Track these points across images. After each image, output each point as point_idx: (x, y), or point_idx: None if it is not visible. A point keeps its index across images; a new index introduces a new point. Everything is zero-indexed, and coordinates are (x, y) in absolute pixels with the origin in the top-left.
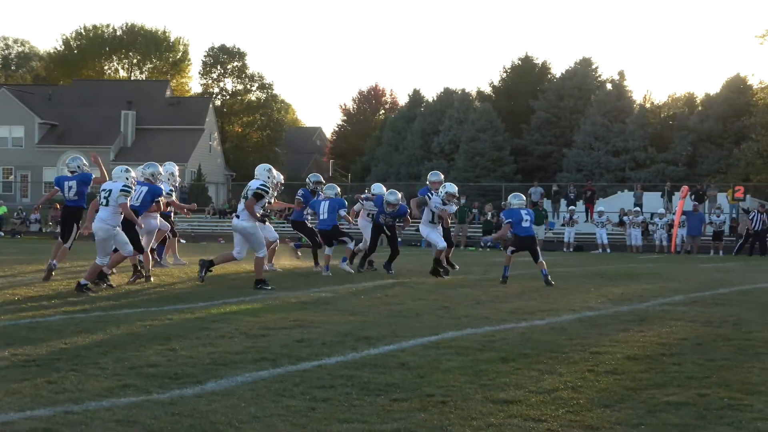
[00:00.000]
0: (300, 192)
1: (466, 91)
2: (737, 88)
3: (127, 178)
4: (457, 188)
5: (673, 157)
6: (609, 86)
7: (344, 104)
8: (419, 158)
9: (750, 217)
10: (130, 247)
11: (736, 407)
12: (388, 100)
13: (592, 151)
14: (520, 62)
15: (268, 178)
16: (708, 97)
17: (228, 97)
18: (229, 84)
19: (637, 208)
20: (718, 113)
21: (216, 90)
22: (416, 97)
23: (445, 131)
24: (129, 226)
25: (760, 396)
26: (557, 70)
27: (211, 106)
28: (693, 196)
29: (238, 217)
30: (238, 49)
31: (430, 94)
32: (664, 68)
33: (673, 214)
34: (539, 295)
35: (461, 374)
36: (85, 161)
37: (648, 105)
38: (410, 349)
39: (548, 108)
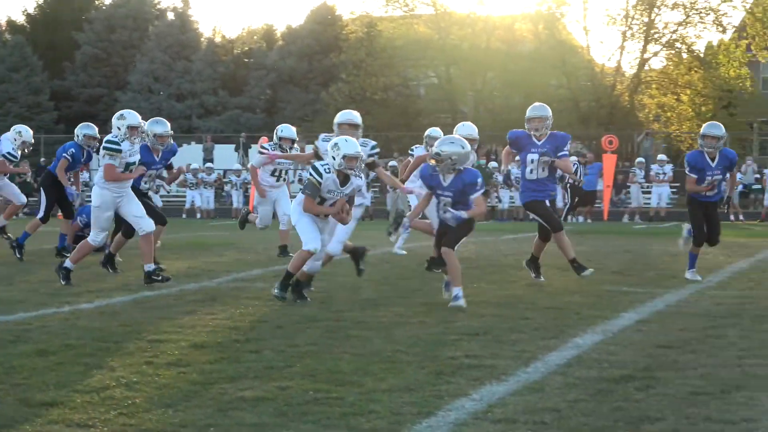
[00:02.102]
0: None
1: None
2: (324, 19)
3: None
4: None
5: (250, 102)
6: (171, 16)
7: None
8: None
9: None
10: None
11: (323, 401)
12: None
13: (152, 94)
14: None
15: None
16: (290, 30)
17: None
18: None
19: (209, 164)
20: (302, 49)
21: None
22: None
23: None
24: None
25: (351, 387)
26: None
27: None
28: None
29: None
30: None
31: None
32: None
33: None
34: (83, 274)
35: None
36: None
37: (218, 39)
38: None
39: (96, 42)
